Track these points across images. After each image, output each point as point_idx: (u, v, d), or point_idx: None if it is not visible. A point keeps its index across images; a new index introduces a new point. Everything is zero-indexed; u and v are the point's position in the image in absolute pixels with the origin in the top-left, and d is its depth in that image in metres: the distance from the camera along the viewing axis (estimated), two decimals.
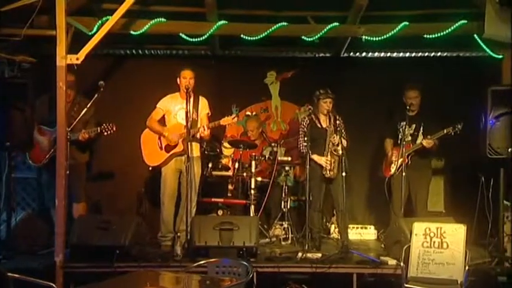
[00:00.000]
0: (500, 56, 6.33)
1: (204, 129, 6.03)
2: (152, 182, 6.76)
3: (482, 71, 6.76)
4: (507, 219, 6.01)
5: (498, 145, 5.78)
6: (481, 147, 5.87)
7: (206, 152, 6.73)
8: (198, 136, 6.14)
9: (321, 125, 6.26)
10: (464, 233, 5.09)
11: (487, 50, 6.36)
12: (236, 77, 7.69)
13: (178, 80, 6.17)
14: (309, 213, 6.08)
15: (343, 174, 5.91)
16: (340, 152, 6.02)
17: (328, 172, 6.11)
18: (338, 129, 6.11)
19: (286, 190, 6.73)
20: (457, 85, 7.33)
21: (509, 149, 5.75)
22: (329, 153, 6.12)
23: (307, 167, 6.06)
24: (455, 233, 5.11)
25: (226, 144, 7.24)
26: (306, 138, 6.13)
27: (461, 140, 6.24)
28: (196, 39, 6.43)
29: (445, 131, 6.12)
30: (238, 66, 7.68)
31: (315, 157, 6.18)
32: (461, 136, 6.11)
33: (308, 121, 6.27)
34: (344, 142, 6.18)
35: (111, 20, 5.59)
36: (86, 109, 5.97)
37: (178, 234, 5.99)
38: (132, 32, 6.16)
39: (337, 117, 6.24)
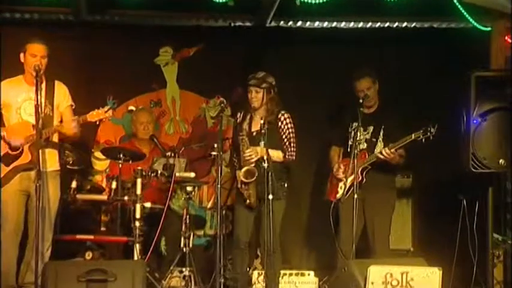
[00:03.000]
0: (488, 29, 6.53)
1: (79, 121, 5.98)
2: None
3: (464, 50, 6.96)
4: (498, 260, 6.19)
5: (485, 154, 5.89)
6: (462, 157, 5.98)
7: (68, 166, 6.62)
8: (64, 132, 6.06)
9: (250, 126, 6.35)
10: (440, 280, 5.18)
11: (470, 20, 6.54)
12: (113, 55, 7.66)
13: (22, 57, 6.07)
14: (222, 253, 6.08)
15: (270, 197, 5.91)
16: (266, 164, 6.00)
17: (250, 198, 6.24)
18: (264, 132, 6.09)
19: (188, 221, 6.69)
20: (429, 69, 7.56)
21: (501, 161, 5.86)
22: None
23: (218, 185, 6.01)
24: (428, 280, 5.20)
25: (98, 153, 7.24)
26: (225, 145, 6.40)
27: (435, 148, 6.35)
28: None
29: (412, 137, 6.16)
30: (115, 39, 7.64)
31: (240, 174, 6.32)
32: (435, 143, 6.19)
33: (239, 119, 6.46)
34: (278, 154, 6.25)
35: None
36: None
37: None
38: None
39: (280, 116, 6.34)
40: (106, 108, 6.03)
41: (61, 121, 6.16)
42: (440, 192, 7.13)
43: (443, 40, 7.47)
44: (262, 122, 6.15)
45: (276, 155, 6.29)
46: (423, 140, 6.10)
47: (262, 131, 6.09)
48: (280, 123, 6.34)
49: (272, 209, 5.93)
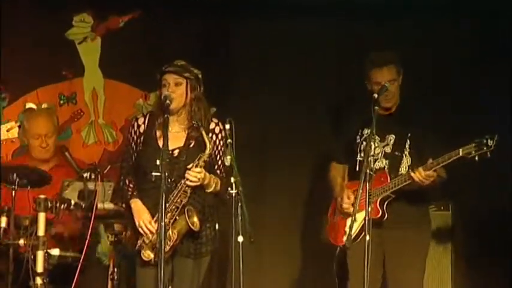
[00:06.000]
0: None
1: None
2: None
3: None
4: None
5: None
6: None
7: None
8: None
9: (166, 140, 6.17)
10: None
11: None
12: (3, 26, 7.62)
13: None
14: None
15: (239, 239, 5.84)
16: (235, 190, 5.90)
17: (145, 251, 6.15)
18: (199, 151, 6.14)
19: (116, 275, 6.78)
20: (473, 53, 7.58)
21: None
22: (171, 208, 6.18)
23: (162, 223, 5.83)
24: None
25: None
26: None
27: (482, 168, 6.43)
28: None
29: (460, 153, 6.07)
30: (7, 2, 7.61)
31: (138, 214, 6.24)
32: (483, 161, 6.13)
33: (143, 126, 6.37)
34: (218, 183, 6.25)
35: None
36: None
37: None
38: None
39: (214, 126, 6.33)
40: (8, 126, 5.94)
41: None
42: (491, 232, 7.11)
43: (493, 12, 7.50)
44: (187, 133, 6.21)
45: (215, 184, 6.25)
46: (476, 156, 6.01)
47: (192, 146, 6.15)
48: (214, 137, 6.28)
49: (175, 270, 6.09)
